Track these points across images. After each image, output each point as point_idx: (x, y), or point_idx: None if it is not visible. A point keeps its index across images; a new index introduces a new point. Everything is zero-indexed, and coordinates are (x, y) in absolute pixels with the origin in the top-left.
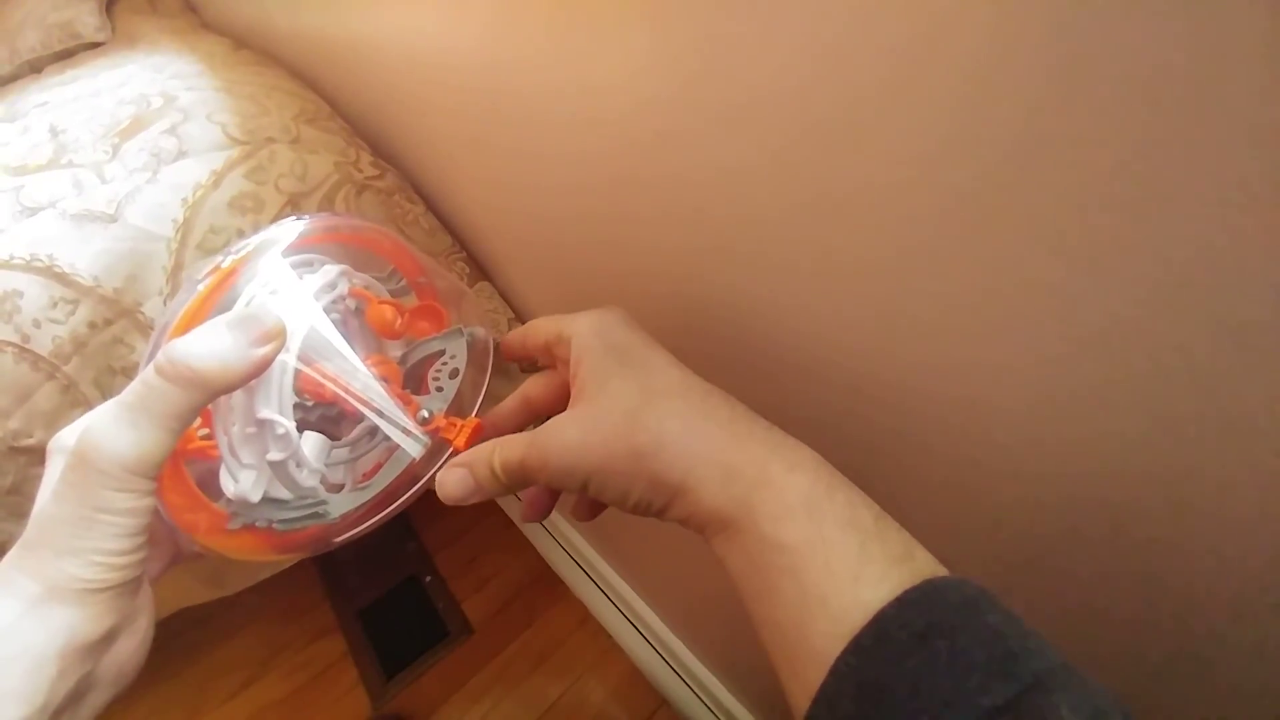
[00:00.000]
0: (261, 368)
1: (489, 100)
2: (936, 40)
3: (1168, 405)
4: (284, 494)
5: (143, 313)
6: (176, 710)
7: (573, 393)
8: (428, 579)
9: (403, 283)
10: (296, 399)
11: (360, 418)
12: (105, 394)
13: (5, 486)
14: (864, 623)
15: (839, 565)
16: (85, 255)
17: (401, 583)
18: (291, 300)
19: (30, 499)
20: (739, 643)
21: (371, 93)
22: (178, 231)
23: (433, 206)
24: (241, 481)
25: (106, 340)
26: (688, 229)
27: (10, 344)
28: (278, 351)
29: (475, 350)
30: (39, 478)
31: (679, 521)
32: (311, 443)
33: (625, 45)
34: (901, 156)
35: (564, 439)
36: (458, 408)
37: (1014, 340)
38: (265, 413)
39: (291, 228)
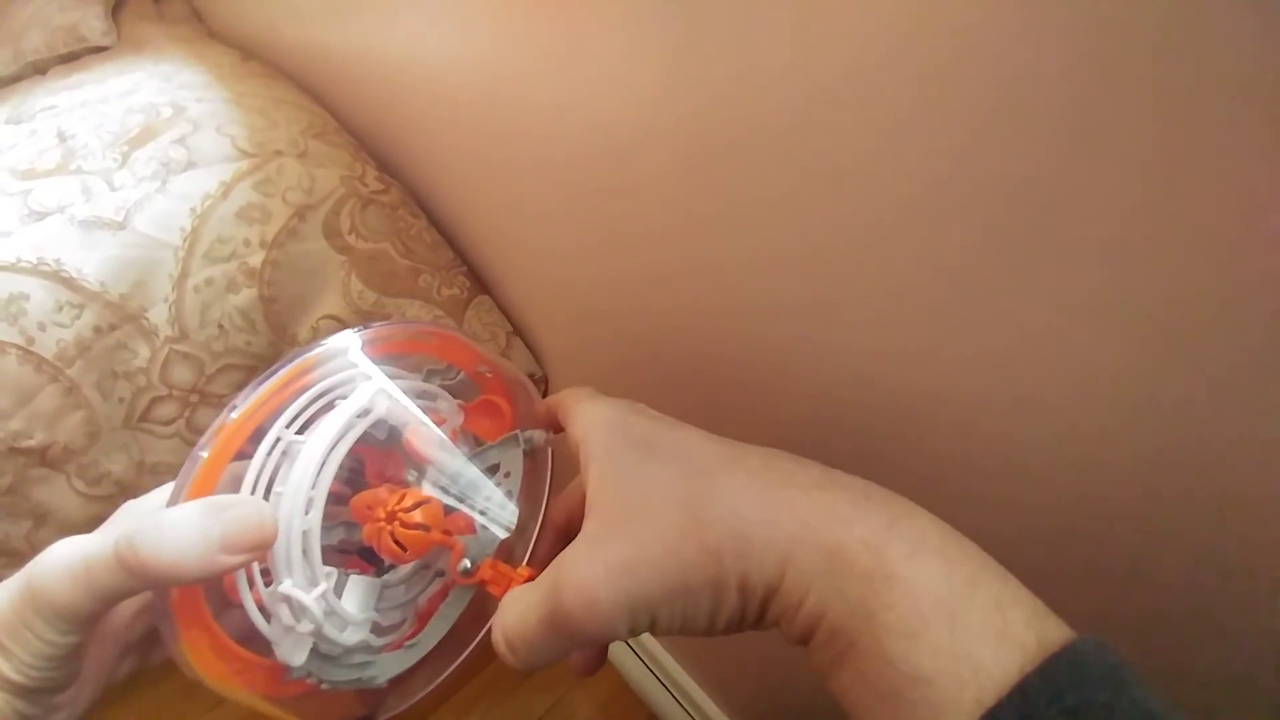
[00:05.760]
0: (221, 575)
1: (493, 116)
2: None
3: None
4: (333, 649)
5: (147, 318)
6: (163, 716)
7: (587, 506)
8: None
9: (461, 376)
10: (344, 523)
11: None
12: (106, 398)
13: (4, 487)
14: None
15: (994, 701)
16: (92, 260)
17: None
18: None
19: (28, 500)
20: (728, 657)
21: (377, 107)
22: (185, 240)
23: (435, 221)
24: (283, 647)
25: (110, 345)
26: (689, 241)
27: (14, 346)
28: (251, 561)
29: (534, 461)
30: (38, 479)
31: (774, 626)
32: (356, 590)
33: (628, 64)
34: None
35: (605, 567)
36: (508, 545)
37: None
38: (285, 587)
39: (339, 345)
